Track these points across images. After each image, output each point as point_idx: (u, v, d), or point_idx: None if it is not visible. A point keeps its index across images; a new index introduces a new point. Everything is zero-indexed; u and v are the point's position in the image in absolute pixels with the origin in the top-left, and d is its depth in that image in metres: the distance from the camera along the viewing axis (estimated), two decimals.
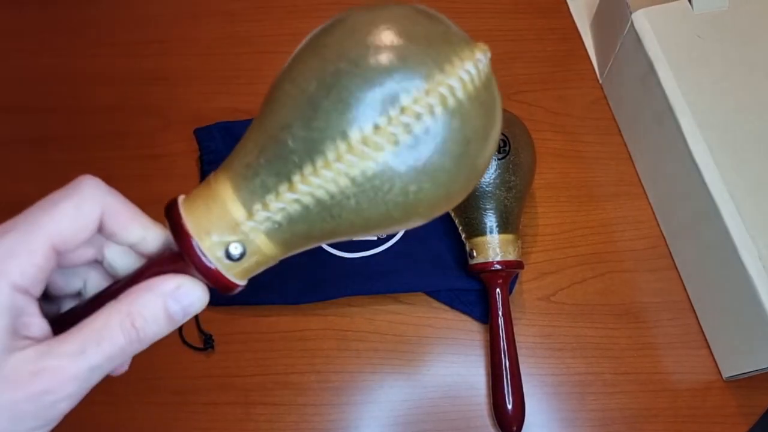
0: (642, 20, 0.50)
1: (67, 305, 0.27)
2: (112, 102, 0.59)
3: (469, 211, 0.48)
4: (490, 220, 0.47)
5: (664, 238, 0.53)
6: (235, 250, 0.24)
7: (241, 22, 0.63)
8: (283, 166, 0.23)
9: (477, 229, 0.48)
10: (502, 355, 0.46)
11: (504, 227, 0.47)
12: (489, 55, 0.23)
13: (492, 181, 0.47)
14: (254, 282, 0.52)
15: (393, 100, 0.22)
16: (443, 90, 0.22)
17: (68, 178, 0.24)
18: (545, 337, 0.50)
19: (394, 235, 0.52)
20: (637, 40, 0.50)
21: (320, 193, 0.23)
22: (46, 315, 0.23)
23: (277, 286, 0.50)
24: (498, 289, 0.48)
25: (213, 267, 0.24)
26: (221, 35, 0.62)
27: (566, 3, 0.64)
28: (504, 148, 0.47)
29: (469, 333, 0.50)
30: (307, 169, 0.22)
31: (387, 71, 0.22)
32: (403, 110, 0.22)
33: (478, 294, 0.50)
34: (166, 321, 0.23)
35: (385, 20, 0.23)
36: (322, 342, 0.50)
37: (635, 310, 0.51)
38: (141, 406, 0.48)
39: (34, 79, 0.60)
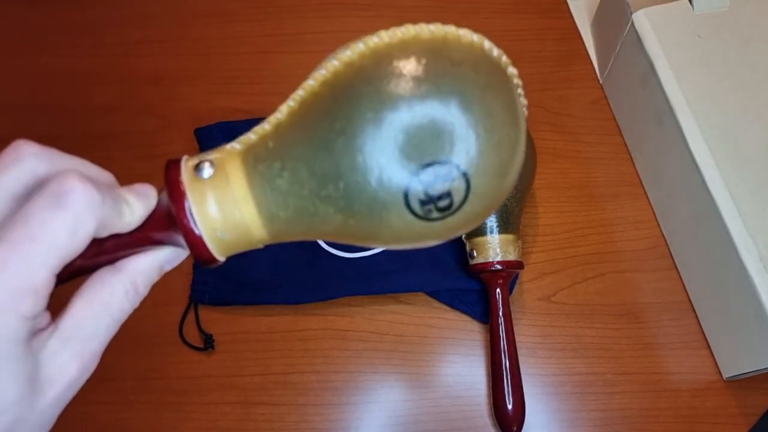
0: (642, 20, 0.50)
1: None
2: (113, 102, 0.59)
3: None
4: (491, 220, 0.47)
5: (664, 238, 0.53)
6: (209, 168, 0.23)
7: (241, 22, 0.63)
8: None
9: (477, 229, 0.48)
10: (503, 355, 0.46)
11: (504, 227, 0.47)
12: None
13: None
14: (255, 282, 0.52)
15: None
16: None
17: None
18: (545, 337, 0.50)
19: None
20: (638, 40, 0.50)
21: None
22: None
23: (277, 286, 0.50)
24: (498, 289, 0.47)
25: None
26: (221, 35, 0.62)
27: (567, 3, 0.64)
28: None
29: (470, 333, 0.50)
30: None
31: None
32: None
33: (478, 294, 0.50)
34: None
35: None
36: (322, 342, 0.50)
37: (635, 310, 0.51)
38: (141, 406, 0.48)
39: (33, 79, 0.60)
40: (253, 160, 0.23)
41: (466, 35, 0.23)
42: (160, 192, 0.24)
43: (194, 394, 0.48)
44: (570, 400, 0.48)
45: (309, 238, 0.25)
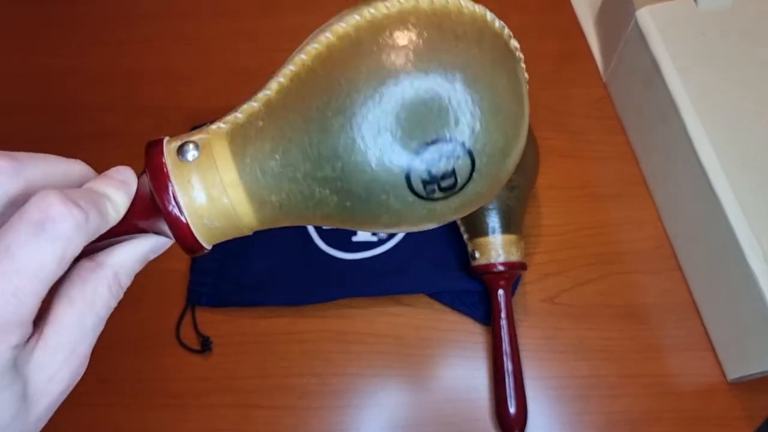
0: (646, 18, 0.50)
1: None
2: (108, 101, 0.59)
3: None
4: (493, 221, 0.47)
5: (668, 238, 0.52)
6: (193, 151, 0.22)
7: (240, 20, 0.62)
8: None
9: (479, 230, 0.47)
10: (505, 358, 0.46)
11: (507, 228, 0.47)
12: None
13: None
14: (253, 284, 0.52)
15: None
16: None
17: None
18: (548, 339, 0.49)
19: (394, 236, 0.52)
20: (641, 37, 0.50)
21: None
22: None
23: (275, 288, 0.50)
24: (500, 291, 0.47)
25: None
26: (220, 33, 0.62)
27: (569, 0, 0.63)
28: None
29: (471, 335, 0.49)
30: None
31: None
32: None
33: (480, 295, 0.50)
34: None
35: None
36: (321, 344, 0.49)
37: (639, 311, 0.50)
38: (139, 408, 0.47)
39: (30, 78, 0.60)
40: (241, 141, 0.22)
41: (468, 6, 0.22)
42: (140, 176, 0.23)
43: (192, 397, 0.48)
44: (573, 402, 0.47)
45: (302, 223, 0.24)
